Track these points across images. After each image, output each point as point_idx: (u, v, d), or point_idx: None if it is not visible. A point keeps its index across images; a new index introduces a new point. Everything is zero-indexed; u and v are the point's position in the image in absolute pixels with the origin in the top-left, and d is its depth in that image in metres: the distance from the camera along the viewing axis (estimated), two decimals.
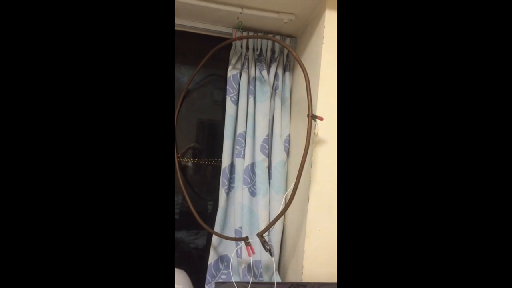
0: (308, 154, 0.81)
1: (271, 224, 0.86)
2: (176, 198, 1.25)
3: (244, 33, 1.06)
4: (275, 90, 1.11)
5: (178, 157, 1.16)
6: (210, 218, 1.20)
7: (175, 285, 0.99)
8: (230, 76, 1.08)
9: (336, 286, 0.82)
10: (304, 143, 0.81)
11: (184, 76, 1.22)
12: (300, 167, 0.81)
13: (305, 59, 1.00)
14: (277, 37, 1.08)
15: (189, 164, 1.21)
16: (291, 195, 0.83)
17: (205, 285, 1.08)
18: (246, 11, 0.96)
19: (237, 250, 1.05)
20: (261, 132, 1.07)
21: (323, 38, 0.85)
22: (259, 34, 1.08)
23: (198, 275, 1.12)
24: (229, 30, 1.10)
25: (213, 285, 1.03)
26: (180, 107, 1.18)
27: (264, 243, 0.83)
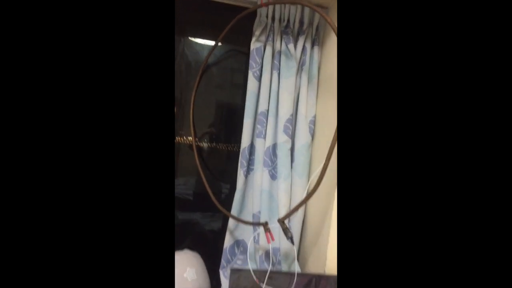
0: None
1: (294, 210, 0.79)
2: (191, 180, 1.21)
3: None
4: (301, 66, 1.01)
5: (195, 140, 1.11)
6: (226, 201, 1.15)
7: (189, 268, 0.96)
8: (253, 49, 0.99)
9: None
10: (332, 125, 0.72)
11: (203, 49, 1.14)
12: (329, 150, 0.73)
13: None
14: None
15: (205, 147, 1.16)
16: (317, 180, 0.75)
17: (220, 270, 1.04)
18: None
19: (254, 236, 0.99)
20: (285, 111, 0.99)
21: None
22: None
23: (212, 258, 1.08)
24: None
25: (228, 271, 0.98)
26: (198, 84, 1.11)
27: (285, 230, 0.77)
